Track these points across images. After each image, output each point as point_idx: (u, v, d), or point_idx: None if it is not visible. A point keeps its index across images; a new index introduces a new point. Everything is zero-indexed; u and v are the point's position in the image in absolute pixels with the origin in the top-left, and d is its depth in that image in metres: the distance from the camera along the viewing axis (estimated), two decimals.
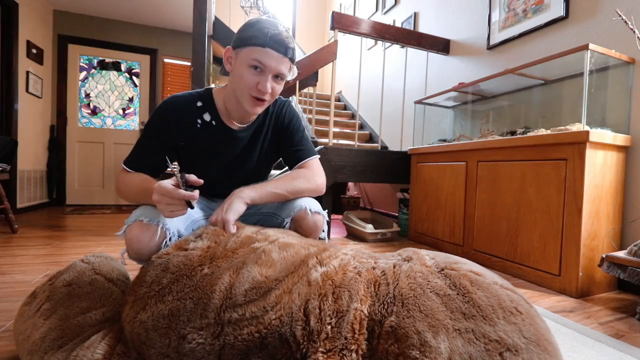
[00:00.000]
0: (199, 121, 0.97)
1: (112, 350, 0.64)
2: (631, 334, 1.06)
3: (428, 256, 0.68)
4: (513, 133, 1.82)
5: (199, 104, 0.98)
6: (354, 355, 0.52)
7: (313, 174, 1.02)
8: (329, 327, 0.55)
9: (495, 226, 1.75)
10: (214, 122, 0.98)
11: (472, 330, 0.51)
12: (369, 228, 2.37)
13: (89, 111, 4.04)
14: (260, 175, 1.11)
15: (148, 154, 0.95)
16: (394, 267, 0.64)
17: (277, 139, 1.07)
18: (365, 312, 0.56)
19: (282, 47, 0.87)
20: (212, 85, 0.83)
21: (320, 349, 0.53)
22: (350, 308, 0.56)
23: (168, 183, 0.75)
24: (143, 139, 0.95)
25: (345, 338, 0.53)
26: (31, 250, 1.85)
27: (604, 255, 1.26)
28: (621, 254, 1.24)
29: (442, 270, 0.61)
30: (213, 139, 0.98)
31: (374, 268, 0.65)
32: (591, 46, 1.46)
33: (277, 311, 0.57)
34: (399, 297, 0.56)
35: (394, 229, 2.47)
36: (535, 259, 1.53)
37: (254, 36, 0.86)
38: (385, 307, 0.56)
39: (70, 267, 0.84)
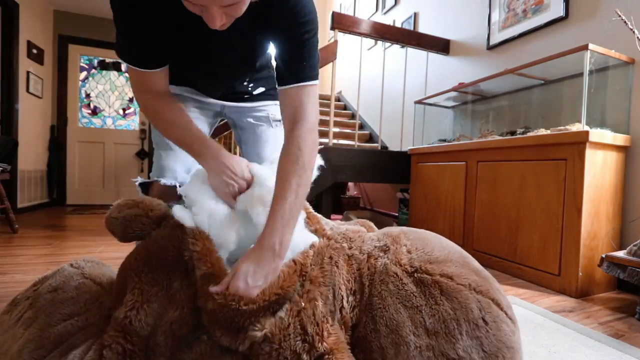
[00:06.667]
0: None
1: None
2: (631, 334, 1.06)
3: (405, 247, 0.68)
4: (513, 133, 1.83)
5: None
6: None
7: (308, 148, 0.72)
8: (329, 325, 0.57)
9: (495, 226, 1.75)
10: None
11: (432, 347, 0.54)
12: None
13: (90, 111, 4.04)
14: (251, 63, 0.90)
15: (134, 42, 0.75)
16: (369, 258, 0.66)
17: (275, 32, 0.78)
18: (349, 318, 0.61)
19: None
20: None
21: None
22: (337, 308, 0.60)
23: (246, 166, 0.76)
24: (118, 24, 0.75)
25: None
26: (31, 250, 1.85)
27: (603, 255, 1.27)
28: (621, 253, 1.24)
29: (416, 272, 0.63)
30: (192, 19, 0.68)
31: (349, 257, 0.67)
32: (591, 46, 1.46)
33: None
34: (369, 305, 0.60)
35: None
36: (535, 258, 1.53)
37: None
38: (359, 314, 0.60)
39: (58, 271, 0.80)
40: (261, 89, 1.08)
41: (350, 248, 0.68)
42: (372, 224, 0.86)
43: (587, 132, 1.35)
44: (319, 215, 0.78)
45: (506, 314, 0.60)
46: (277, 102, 1.12)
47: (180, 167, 0.97)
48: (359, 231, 0.75)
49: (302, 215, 0.74)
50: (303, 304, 0.58)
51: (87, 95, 4.03)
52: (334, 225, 0.77)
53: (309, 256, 0.65)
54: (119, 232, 0.69)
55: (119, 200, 0.70)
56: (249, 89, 1.05)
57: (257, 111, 1.10)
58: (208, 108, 1.05)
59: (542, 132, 1.59)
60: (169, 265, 0.64)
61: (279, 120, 1.12)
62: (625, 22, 1.37)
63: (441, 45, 2.68)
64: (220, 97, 1.03)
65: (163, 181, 0.94)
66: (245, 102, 1.08)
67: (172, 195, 0.93)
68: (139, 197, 0.72)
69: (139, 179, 0.99)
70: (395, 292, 0.60)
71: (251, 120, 1.09)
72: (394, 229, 0.77)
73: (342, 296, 0.61)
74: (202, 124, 1.01)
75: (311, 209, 0.79)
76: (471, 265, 0.66)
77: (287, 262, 0.63)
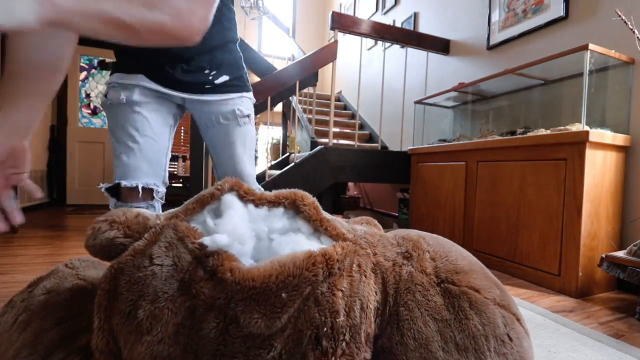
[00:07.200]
0: None
1: None
2: (631, 334, 1.06)
3: (428, 254, 0.66)
4: (513, 133, 1.83)
5: None
6: None
7: None
8: (344, 343, 0.53)
9: (495, 226, 1.76)
10: None
11: None
12: None
13: (90, 111, 4.04)
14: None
15: None
16: (394, 265, 0.63)
17: None
18: (372, 330, 0.57)
19: None
20: None
21: None
22: (364, 322, 0.55)
23: None
24: None
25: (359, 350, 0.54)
26: (31, 250, 1.85)
27: (603, 255, 1.27)
28: (621, 253, 1.24)
29: (442, 282, 0.61)
30: None
31: (374, 264, 0.62)
32: (591, 46, 1.46)
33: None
34: (395, 316, 0.57)
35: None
36: (535, 258, 1.53)
37: None
38: (382, 324, 0.57)
39: (52, 272, 0.78)
40: (225, 78, 0.97)
41: (374, 254, 0.64)
42: (376, 222, 0.82)
43: (587, 132, 1.35)
44: (332, 217, 0.68)
45: (523, 327, 0.60)
46: (244, 94, 1.03)
47: (145, 165, 0.93)
48: (374, 233, 0.71)
49: (305, 225, 0.63)
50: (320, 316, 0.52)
51: (87, 95, 4.03)
52: (349, 226, 0.70)
53: (337, 252, 0.58)
54: (104, 257, 0.63)
55: (94, 223, 0.63)
56: (210, 78, 0.95)
57: (221, 105, 0.99)
58: (169, 99, 0.96)
59: (542, 132, 1.59)
60: (139, 288, 0.55)
61: (247, 116, 1.03)
62: (625, 22, 1.37)
63: (441, 45, 2.68)
64: (180, 88, 0.94)
65: (124, 183, 0.91)
66: (207, 94, 0.97)
67: (144, 195, 0.92)
68: (115, 213, 0.64)
69: (103, 185, 0.95)
70: (424, 302, 0.57)
71: (215, 116, 0.99)
72: (410, 232, 0.74)
73: (370, 308, 0.57)
74: (163, 115, 0.95)
75: (322, 212, 0.67)
76: (490, 277, 0.65)
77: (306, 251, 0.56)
